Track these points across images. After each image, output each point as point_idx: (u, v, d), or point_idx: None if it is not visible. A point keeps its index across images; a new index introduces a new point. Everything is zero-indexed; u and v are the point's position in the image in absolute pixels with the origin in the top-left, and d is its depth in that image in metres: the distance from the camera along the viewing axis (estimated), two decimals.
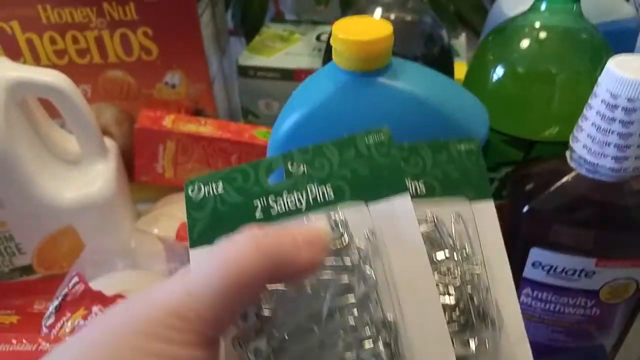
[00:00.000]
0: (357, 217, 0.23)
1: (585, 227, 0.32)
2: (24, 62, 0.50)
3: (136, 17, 0.48)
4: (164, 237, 0.48)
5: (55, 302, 0.40)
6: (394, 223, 0.23)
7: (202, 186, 0.24)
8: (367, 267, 0.23)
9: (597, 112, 0.28)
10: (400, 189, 0.24)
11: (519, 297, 0.35)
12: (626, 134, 0.28)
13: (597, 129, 0.29)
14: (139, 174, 0.53)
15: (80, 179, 0.46)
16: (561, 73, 0.35)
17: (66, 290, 0.40)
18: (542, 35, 0.36)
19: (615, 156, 0.29)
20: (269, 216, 0.24)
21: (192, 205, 0.24)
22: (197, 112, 0.55)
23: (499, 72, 0.37)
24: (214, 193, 0.24)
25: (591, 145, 0.29)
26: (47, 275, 0.47)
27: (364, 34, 0.29)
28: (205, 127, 0.52)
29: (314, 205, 0.24)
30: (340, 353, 0.22)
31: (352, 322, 0.22)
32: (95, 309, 0.39)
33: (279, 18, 0.75)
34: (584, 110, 0.30)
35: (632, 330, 0.37)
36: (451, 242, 0.24)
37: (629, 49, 0.47)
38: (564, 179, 0.32)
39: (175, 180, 0.53)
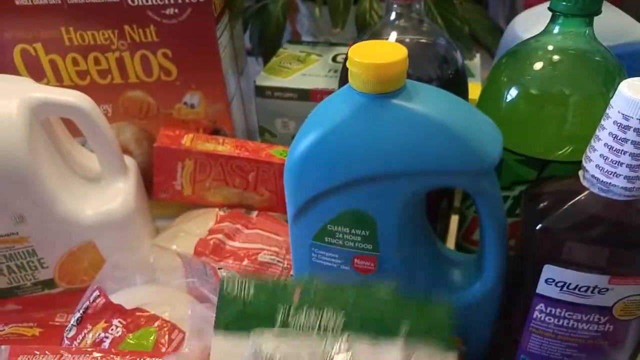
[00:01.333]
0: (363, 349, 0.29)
1: (598, 245, 0.32)
2: (47, 83, 0.52)
3: (156, 39, 0.50)
4: (182, 253, 0.48)
5: (77, 315, 0.41)
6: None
7: (236, 286, 0.30)
8: None
9: (609, 133, 0.29)
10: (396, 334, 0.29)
11: (532, 313, 0.35)
12: (638, 155, 0.28)
13: (609, 149, 0.29)
14: (158, 191, 0.54)
15: (101, 196, 0.47)
16: (574, 94, 0.36)
17: (87, 303, 0.41)
18: (556, 57, 0.36)
19: (628, 176, 0.29)
20: (286, 325, 0.29)
21: (224, 300, 0.29)
22: (215, 132, 0.57)
23: (512, 93, 0.37)
24: (245, 293, 0.30)
25: (604, 165, 0.30)
26: (68, 289, 0.48)
27: (379, 57, 0.30)
28: (223, 146, 0.53)
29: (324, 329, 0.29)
30: None
31: None
32: (115, 321, 0.39)
33: (295, 39, 0.77)
34: (597, 131, 0.30)
35: None
36: None
37: None
38: (577, 198, 0.32)
39: (194, 198, 0.54)
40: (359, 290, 0.30)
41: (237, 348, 0.29)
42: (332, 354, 0.28)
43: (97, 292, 0.41)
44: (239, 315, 0.29)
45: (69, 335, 0.39)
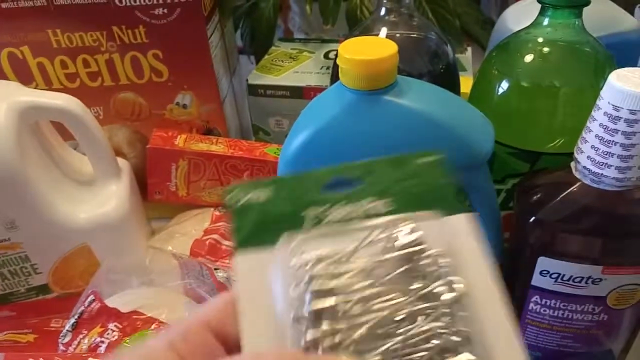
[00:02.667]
0: (426, 227, 0.22)
1: (591, 236, 0.32)
2: (36, 86, 0.51)
3: (146, 40, 0.50)
4: (178, 254, 0.48)
5: (72, 320, 0.40)
6: (453, 239, 0.23)
7: (245, 193, 0.24)
8: (456, 278, 0.21)
9: (600, 124, 0.29)
10: (457, 209, 0.23)
11: (527, 304, 0.35)
12: (629, 145, 0.28)
13: (600, 141, 0.29)
14: (152, 192, 0.54)
15: (94, 199, 0.47)
16: (565, 86, 0.36)
17: (82, 308, 0.41)
18: (546, 49, 0.36)
19: (619, 166, 0.29)
20: (318, 224, 0.23)
21: (234, 212, 0.23)
22: (208, 131, 0.56)
23: (503, 86, 0.37)
24: (258, 200, 0.24)
25: (595, 156, 0.30)
26: (63, 294, 0.48)
27: (370, 54, 0.30)
28: (217, 146, 0.53)
29: (366, 219, 0.23)
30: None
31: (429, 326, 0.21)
32: (111, 325, 0.39)
33: (287, 36, 0.77)
34: (588, 122, 0.30)
35: None
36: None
37: (633, 60, 0.48)
38: (569, 190, 0.32)
39: (188, 198, 0.54)
40: (391, 162, 0.24)
41: (267, 263, 0.23)
42: (397, 236, 0.22)
43: (92, 297, 0.41)
44: (257, 224, 0.23)
45: (64, 341, 0.39)
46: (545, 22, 0.36)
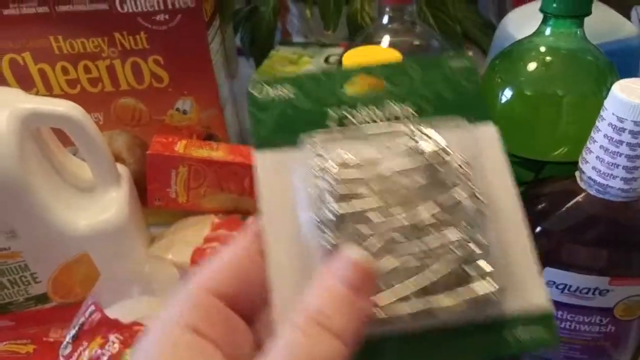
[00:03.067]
0: (454, 134, 0.22)
1: (597, 247, 0.32)
2: (37, 93, 0.51)
3: (147, 46, 0.49)
4: (179, 262, 0.48)
5: (72, 332, 0.40)
6: (479, 145, 0.22)
7: (269, 87, 0.23)
8: (479, 190, 0.21)
9: (604, 135, 0.29)
10: (485, 116, 0.23)
11: None
12: (634, 156, 0.28)
13: (605, 152, 0.29)
14: (152, 199, 0.53)
15: (94, 206, 0.46)
16: (568, 94, 0.36)
17: (83, 319, 0.40)
18: (548, 58, 0.36)
19: (624, 177, 0.29)
20: (341, 125, 0.22)
21: (257, 106, 0.23)
22: (208, 137, 0.56)
23: (506, 94, 0.37)
24: (282, 95, 0.23)
25: (600, 167, 0.30)
26: (62, 303, 0.48)
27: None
28: (217, 152, 0.53)
29: (391, 120, 0.22)
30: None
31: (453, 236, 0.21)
32: (112, 337, 0.39)
33: (286, 40, 0.76)
34: (592, 133, 0.30)
35: None
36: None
37: (634, 66, 0.47)
38: (575, 200, 0.32)
39: (189, 205, 0.54)
40: (424, 63, 0.23)
41: (290, 162, 0.22)
42: (423, 143, 0.21)
43: (92, 307, 0.40)
44: (280, 120, 0.22)
45: (65, 354, 0.39)
46: (548, 31, 0.36)
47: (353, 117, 0.22)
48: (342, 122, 0.22)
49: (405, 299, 0.20)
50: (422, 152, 0.21)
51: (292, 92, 0.23)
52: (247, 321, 0.21)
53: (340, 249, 0.20)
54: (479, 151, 0.22)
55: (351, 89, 0.23)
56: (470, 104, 0.23)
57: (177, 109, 0.54)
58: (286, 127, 0.22)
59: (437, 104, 0.23)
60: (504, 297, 0.21)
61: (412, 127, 0.22)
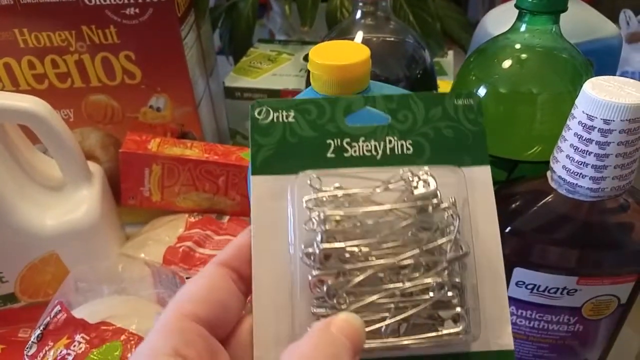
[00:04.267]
0: (444, 179, 0.23)
1: (566, 246, 0.32)
2: (2, 88, 0.50)
3: (117, 41, 0.48)
4: (151, 261, 0.47)
5: (37, 332, 0.39)
6: (472, 188, 0.23)
7: (271, 111, 0.23)
8: (463, 239, 0.22)
9: (574, 134, 0.29)
10: (482, 160, 0.23)
11: None
12: (603, 155, 0.28)
13: (575, 150, 0.29)
14: (126, 198, 0.53)
15: (64, 204, 0.45)
16: (542, 93, 0.35)
17: (48, 319, 0.40)
18: (523, 55, 0.36)
19: (593, 177, 0.29)
20: (341, 158, 0.23)
21: (258, 130, 0.23)
22: (183, 135, 0.55)
23: (480, 92, 0.37)
24: (284, 120, 0.23)
25: (570, 165, 0.29)
26: (30, 303, 0.47)
27: (341, 59, 0.29)
28: (192, 150, 0.52)
29: (390, 155, 0.23)
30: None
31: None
32: (78, 337, 0.38)
33: (267, 38, 0.76)
34: (563, 131, 0.30)
35: (615, 345, 0.37)
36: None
37: (613, 66, 0.47)
38: (545, 199, 0.32)
39: (163, 204, 0.53)
40: (428, 99, 0.23)
41: (284, 190, 0.23)
42: (415, 185, 0.22)
43: (58, 307, 0.39)
44: (280, 146, 0.23)
45: (30, 354, 0.38)
46: (523, 27, 0.36)
47: (351, 149, 0.23)
48: (340, 153, 0.23)
49: (378, 334, 0.21)
50: (414, 195, 0.22)
51: (294, 117, 0.23)
52: (222, 343, 0.22)
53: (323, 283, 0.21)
54: (470, 196, 0.23)
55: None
56: (469, 145, 0.23)
57: (151, 106, 0.53)
58: (285, 153, 0.23)
59: (435, 143, 0.23)
60: (471, 337, 0.22)
61: (407, 169, 0.22)
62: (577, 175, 0.29)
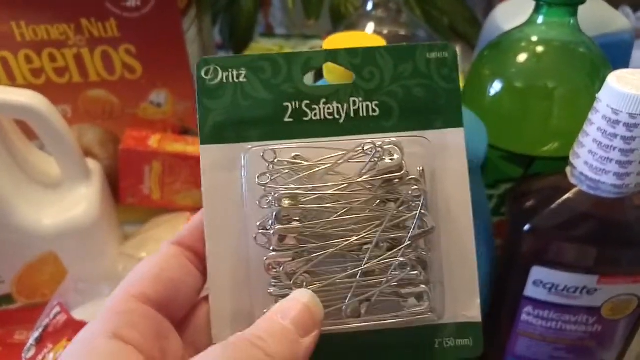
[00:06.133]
0: (412, 147, 0.21)
1: (587, 245, 0.31)
2: None
3: (118, 34, 0.47)
4: None
5: (36, 334, 0.38)
6: (443, 156, 0.21)
7: (220, 70, 0.21)
8: (428, 214, 0.21)
9: (598, 128, 0.28)
10: (456, 122, 0.21)
11: (520, 315, 0.34)
12: (628, 150, 0.27)
13: (598, 145, 0.28)
14: (125, 196, 0.51)
15: (62, 203, 0.44)
16: (559, 87, 0.35)
17: (47, 320, 0.38)
18: (539, 49, 0.35)
19: (617, 172, 0.28)
20: (299, 122, 0.21)
21: (206, 92, 0.21)
22: (184, 131, 0.54)
23: (496, 87, 0.36)
24: (235, 81, 0.21)
25: (592, 161, 0.28)
26: (27, 304, 0.45)
27: None
28: (193, 147, 0.51)
29: (354, 119, 0.21)
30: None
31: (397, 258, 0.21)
32: None
33: (268, 32, 0.74)
34: (584, 126, 0.29)
35: (633, 345, 0.36)
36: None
37: (625, 61, 0.47)
38: (565, 196, 0.31)
39: (163, 202, 0.52)
40: (397, 52, 0.21)
41: (237, 161, 0.21)
42: (379, 156, 0.20)
43: (57, 308, 0.38)
44: (231, 110, 0.20)
45: (28, 356, 0.37)
46: (540, 20, 0.35)
47: (313, 114, 0.21)
48: (299, 117, 0.21)
49: (339, 315, 0.21)
50: (378, 167, 0.21)
51: (245, 77, 0.21)
52: (178, 325, 0.21)
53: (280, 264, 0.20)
54: (441, 160, 0.21)
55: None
56: (442, 106, 0.21)
57: (151, 102, 0.51)
58: (237, 118, 0.21)
59: (404, 103, 0.21)
60: (438, 312, 0.22)
61: (371, 140, 0.21)
62: (600, 171, 0.28)
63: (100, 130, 0.52)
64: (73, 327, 0.38)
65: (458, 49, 0.61)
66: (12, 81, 0.48)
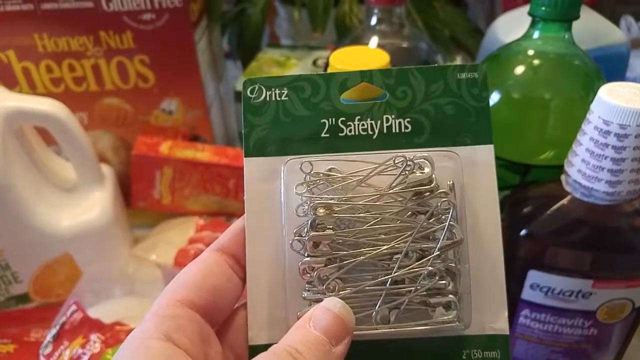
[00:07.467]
0: (442, 161, 0.22)
1: (581, 249, 0.32)
2: (20, 91, 0.50)
3: (133, 46, 0.49)
4: (162, 263, 0.47)
5: (53, 331, 0.39)
6: (473, 171, 0.22)
7: (264, 89, 0.22)
8: (457, 226, 0.21)
9: (590, 138, 0.29)
10: (485, 139, 0.22)
11: (517, 318, 0.35)
12: (619, 159, 0.28)
13: (590, 154, 0.29)
14: (136, 200, 0.53)
15: (77, 206, 0.46)
16: (555, 99, 0.36)
17: (64, 318, 0.40)
18: (536, 62, 0.37)
19: (609, 180, 0.29)
20: (335, 137, 0.22)
21: (251, 109, 0.22)
22: (194, 138, 0.56)
23: (494, 97, 0.37)
24: (277, 99, 0.22)
25: (585, 169, 0.30)
26: (43, 303, 0.47)
27: (362, 64, 0.30)
28: (202, 153, 0.52)
29: (387, 135, 0.22)
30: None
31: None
32: (93, 337, 0.38)
33: (274, 43, 0.76)
34: (578, 136, 0.30)
35: (629, 348, 0.37)
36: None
37: (621, 73, 0.48)
38: (560, 203, 0.32)
39: (173, 206, 0.53)
40: (429, 73, 0.22)
41: (278, 173, 0.22)
42: (410, 169, 0.21)
43: (74, 307, 0.40)
44: (273, 128, 0.22)
45: (45, 353, 0.38)
46: (536, 34, 0.36)
47: (348, 130, 0.22)
48: (335, 133, 0.22)
49: (369, 321, 0.21)
50: (409, 180, 0.22)
51: (287, 96, 0.22)
52: (217, 330, 0.22)
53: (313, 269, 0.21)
54: (470, 178, 0.22)
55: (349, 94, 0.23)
56: (472, 123, 0.22)
57: (163, 110, 0.53)
58: (279, 134, 0.22)
59: (436, 121, 0.22)
60: (463, 325, 0.22)
61: (403, 153, 0.22)
62: (593, 179, 0.30)
63: (113, 136, 0.54)
64: (89, 325, 0.39)
65: (459, 59, 0.63)
66: (33, 90, 0.50)
